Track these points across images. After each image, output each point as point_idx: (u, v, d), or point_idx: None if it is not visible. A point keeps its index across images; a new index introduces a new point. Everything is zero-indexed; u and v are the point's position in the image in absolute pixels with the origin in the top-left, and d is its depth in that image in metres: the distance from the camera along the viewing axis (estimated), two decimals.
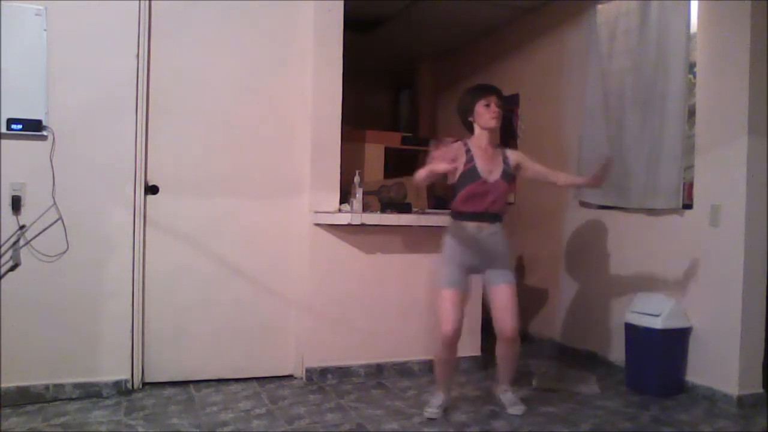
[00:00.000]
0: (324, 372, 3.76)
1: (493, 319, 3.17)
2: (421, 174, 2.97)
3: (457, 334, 3.08)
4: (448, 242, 3.17)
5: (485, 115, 3.11)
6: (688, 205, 3.69)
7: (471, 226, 3.11)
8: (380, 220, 3.68)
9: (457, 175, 3.10)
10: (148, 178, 3.49)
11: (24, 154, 3.18)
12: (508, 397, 3.29)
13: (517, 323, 3.14)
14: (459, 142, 3.14)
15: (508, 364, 3.25)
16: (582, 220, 4.54)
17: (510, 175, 3.19)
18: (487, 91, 3.15)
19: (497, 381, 3.37)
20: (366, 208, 3.81)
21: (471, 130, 3.20)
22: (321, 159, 3.76)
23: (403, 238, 3.91)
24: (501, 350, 3.21)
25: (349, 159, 4.09)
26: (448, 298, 3.08)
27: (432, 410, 3.17)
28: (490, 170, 3.10)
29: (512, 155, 3.23)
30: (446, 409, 3.24)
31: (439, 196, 5.00)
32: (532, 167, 3.28)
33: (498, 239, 3.15)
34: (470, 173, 3.09)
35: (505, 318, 3.11)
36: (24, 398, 3.19)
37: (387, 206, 3.88)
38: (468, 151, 3.12)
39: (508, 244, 3.21)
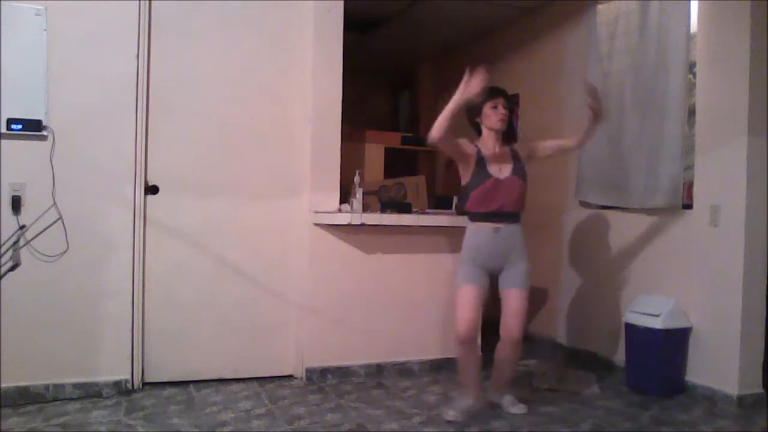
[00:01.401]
0: (324, 372, 3.76)
1: (501, 321, 3.16)
2: (440, 121, 2.91)
3: (471, 333, 3.06)
4: (466, 243, 3.17)
5: (492, 117, 3.14)
6: (688, 205, 3.69)
7: (486, 227, 3.10)
8: (380, 220, 3.68)
9: (469, 175, 3.12)
10: (148, 178, 3.49)
11: (24, 154, 3.18)
12: (507, 399, 3.29)
13: (523, 328, 3.15)
14: (470, 142, 3.17)
15: (508, 367, 3.23)
16: (582, 220, 4.54)
17: (524, 171, 3.18)
18: (494, 93, 3.17)
19: (493, 385, 3.32)
20: (366, 208, 3.81)
21: (478, 131, 3.22)
22: (321, 159, 3.76)
23: (403, 238, 3.91)
24: (503, 352, 3.18)
25: (349, 159, 4.09)
26: (463, 294, 3.09)
27: (453, 413, 3.12)
28: (499, 168, 3.12)
29: (522, 148, 3.27)
30: (475, 416, 3.14)
31: (440, 196, 4.99)
32: (544, 145, 3.33)
33: (516, 240, 3.13)
34: (480, 173, 3.10)
35: (513, 323, 3.12)
36: (24, 398, 3.19)
37: (387, 206, 3.87)
38: (478, 151, 3.14)
39: (525, 243, 3.18)
